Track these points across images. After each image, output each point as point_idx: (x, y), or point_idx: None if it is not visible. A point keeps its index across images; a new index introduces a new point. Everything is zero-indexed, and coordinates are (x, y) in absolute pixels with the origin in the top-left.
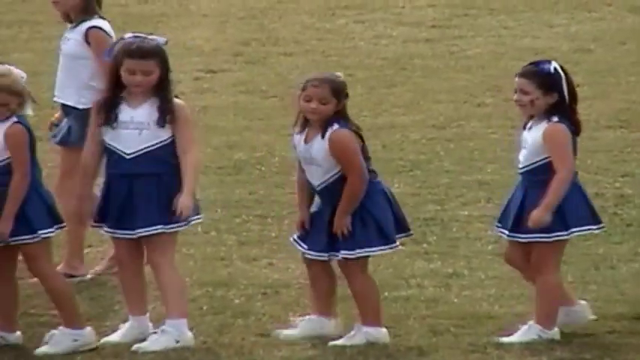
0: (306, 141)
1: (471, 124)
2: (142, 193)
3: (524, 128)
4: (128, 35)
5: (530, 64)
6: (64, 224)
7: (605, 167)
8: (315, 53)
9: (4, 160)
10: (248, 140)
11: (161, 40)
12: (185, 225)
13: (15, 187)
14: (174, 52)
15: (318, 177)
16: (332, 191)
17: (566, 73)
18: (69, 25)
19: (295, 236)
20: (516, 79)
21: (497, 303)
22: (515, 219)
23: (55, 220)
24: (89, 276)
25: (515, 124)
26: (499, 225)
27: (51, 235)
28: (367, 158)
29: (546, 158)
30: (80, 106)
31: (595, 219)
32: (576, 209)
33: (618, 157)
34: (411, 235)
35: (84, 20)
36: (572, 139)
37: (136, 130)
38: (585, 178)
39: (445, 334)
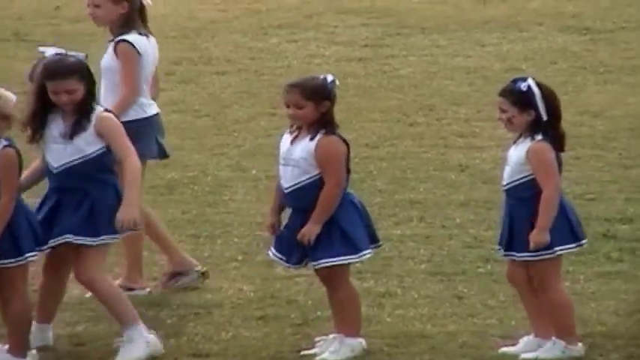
0: (292, 142)
1: (404, 143)
2: (67, 206)
3: (514, 144)
4: (49, 53)
5: (511, 81)
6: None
7: None
8: (248, 72)
9: None
10: (180, 159)
11: (81, 55)
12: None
13: (1, 210)
14: None
15: (291, 179)
16: (300, 196)
17: (544, 90)
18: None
19: (273, 250)
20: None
21: (429, 322)
22: (508, 238)
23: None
24: (147, 290)
25: (447, 142)
26: (499, 247)
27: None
28: (348, 170)
29: (529, 176)
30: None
31: (575, 236)
32: (557, 228)
33: None
34: (380, 245)
35: (121, 34)
36: (556, 155)
37: (61, 145)
38: None
39: (378, 354)
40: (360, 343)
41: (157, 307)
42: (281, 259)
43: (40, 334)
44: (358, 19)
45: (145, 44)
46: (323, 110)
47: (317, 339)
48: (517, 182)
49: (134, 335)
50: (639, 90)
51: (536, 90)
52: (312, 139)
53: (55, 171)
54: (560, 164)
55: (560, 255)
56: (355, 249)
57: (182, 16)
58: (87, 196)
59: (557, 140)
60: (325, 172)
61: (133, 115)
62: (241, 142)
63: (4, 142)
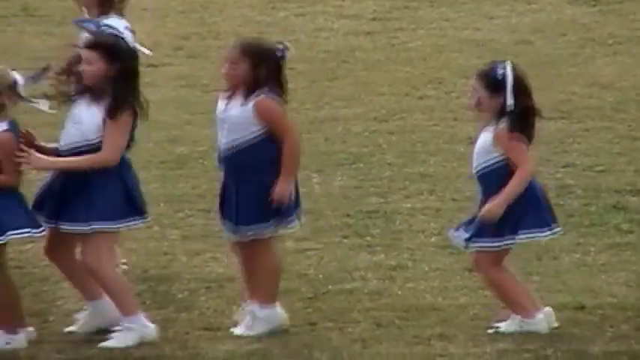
0: (227, 104)
1: (413, 116)
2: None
3: (483, 129)
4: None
5: (491, 64)
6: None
7: (547, 158)
8: None
9: None
10: (190, 134)
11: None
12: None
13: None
14: None
15: (228, 141)
16: (237, 158)
17: (518, 80)
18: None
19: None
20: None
21: (440, 295)
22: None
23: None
24: (124, 266)
25: (457, 115)
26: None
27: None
28: None
29: (495, 159)
30: None
31: (547, 223)
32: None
33: (559, 148)
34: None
35: (99, 16)
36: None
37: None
38: None
39: (389, 327)
40: (277, 310)
41: (168, 282)
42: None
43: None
44: None
45: (123, 26)
46: (259, 75)
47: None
48: (484, 165)
49: (133, 324)
50: None
51: (509, 79)
52: (242, 104)
53: (61, 150)
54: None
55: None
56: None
57: None
58: (87, 183)
59: (523, 130)
60: (276, 130)
61: None
62: None
63: (5, 126)
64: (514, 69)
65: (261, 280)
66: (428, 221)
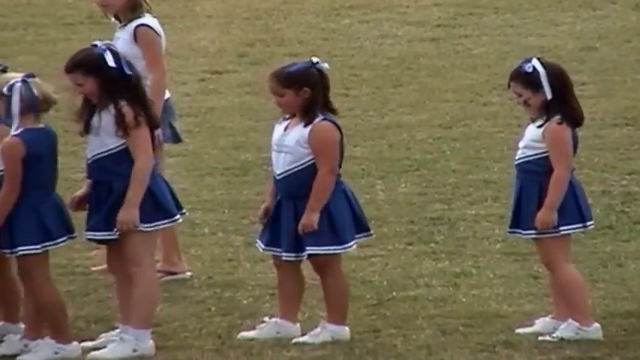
0: (285, 129)
1: (477, 123)
2: (95, 200)
3: (532, 122)
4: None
5: (518, 65)
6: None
7: (612, 165)
8: (320, 53)
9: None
10: (254, 141)
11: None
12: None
13: (1, 200)
14: (179, 53)
15: (283, 165)
16: (292, 183)
17: (549, 69)
18: (118, 25)
19: (258, 239)
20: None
21: (505, 302)
22: (514, 215)
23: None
24: (189, 274)
25: (521, 122)
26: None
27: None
28: (342, 154)
29: (541, 153)
30: None
31: (582, 217)
32: (565, 207)
33: (625, 154)
34: (371, 235)
35: (133, 19)
36: (572, 132)
37: (92, 137)
38: (592, 175)
39: (454, 334)
40: (343, 329)
41: (233, 289)
42: (274, 251)
43: None
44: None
45: (159, 25)
46: (306, 96)
47: (265, 319)
48: (529, 158)
49: (132, 338)
50: None
51: (540, 69)
52: (305, 125)
53: (87, 162)
54: (576, 142)
55: (568, 235)
56: (340, 240)
57: None
58: (112, 191)
59: (571, 117)
60: (318, 159)
61: None
62: None
63: (16, 132)
64: (542, 62)
65: (327, 299)
66: (492, 228)
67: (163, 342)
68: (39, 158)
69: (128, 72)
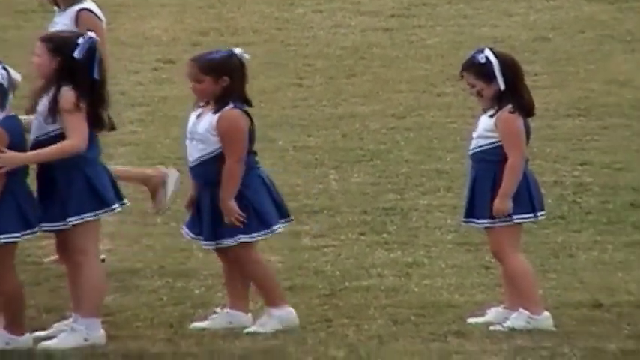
0: (198, 117)
1: (431, 113)
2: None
3: (484, 112)
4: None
5: (471, 55)
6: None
7: (564, 156)
8: (274, 43)
9: None
10: None
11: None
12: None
13: None
14: (132, 42)
15: (194, 153)
16: (203, 171)
17: (501, 59)
18: (57, 10)
19: (186, 229)
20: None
21: (457, 292)
22: (468, 205)
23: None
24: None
25: (474, 113)
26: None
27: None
28: (252, 141)
29: (494, 142)
30: None
31: (533, 207)
32: (518, 197)
33: (577, 145)
34: (291, 220)
35: (73, 3)
36: (524, 122)
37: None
38: (544, 166)
39: (406, 323)
40: (288, 311)
41: (185, 278)
42: (196, 238)
43: None
44: None
45: (99, 10)
46: (224, 84)
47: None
48: (483, 148)
49: (83, 327)
50: None
51: (493, 60)
52: (215, 112)
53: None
54: (528, 131)
55: (519, 224)
56: (266, 225)
57: None
58: (55, 181)
59: (522, 106)
60: (225, 148)
61: None
62: (267, 112)
63: None
64: (495, 53)
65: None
66: (444, 218)
67: (115, 331)
68: (20, 146)
69: (96, 76)
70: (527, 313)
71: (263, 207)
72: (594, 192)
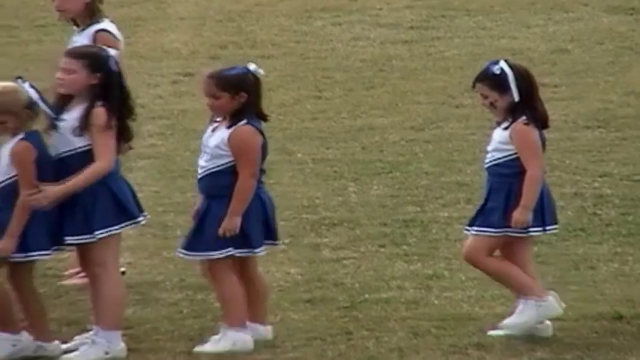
0: (213, 131)
1: (450, 125)
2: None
3: (498, 125)
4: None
5: (485, 66)
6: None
7: (584, 167)
8: (293, 55)
9: (10, 177)
10: None
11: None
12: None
13: (20, 205)
14: (152, 55)
15: (202, 165)
16: (209, 183)
17: (516, 71)
18: (75, 29)
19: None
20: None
21: (477, 304)
22: (476, 214)
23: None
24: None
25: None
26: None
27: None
28: (264, 157)
29: (510, 155)
30: None
31: (543, 221)
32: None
33: (596, 157)
34: (277, 244)
35: (91, 24)
36: (539, 134)
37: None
38: (564, 178)
39: (426, 336)
40: (243, 336)
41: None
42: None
43: None
44: (403, 2)
45: (117, 30)
46: (241, 100)
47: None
48: (498, 161)
49: (104, 340)
50: None
51: (508, 71)
52: (228, 127)
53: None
54: (543, 143)
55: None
56: (249, 245)
57: (227, 0)
58: (80, 194)
59: (537, 119)
60: (239, 162)
61: None
62: (287, 125)
63: (21, 136)
64: (510, 64)
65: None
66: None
67: (135, 344)
68: (45, 160)
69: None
70: (532, 299)
71: (250, 228)
72: (614, 204)
